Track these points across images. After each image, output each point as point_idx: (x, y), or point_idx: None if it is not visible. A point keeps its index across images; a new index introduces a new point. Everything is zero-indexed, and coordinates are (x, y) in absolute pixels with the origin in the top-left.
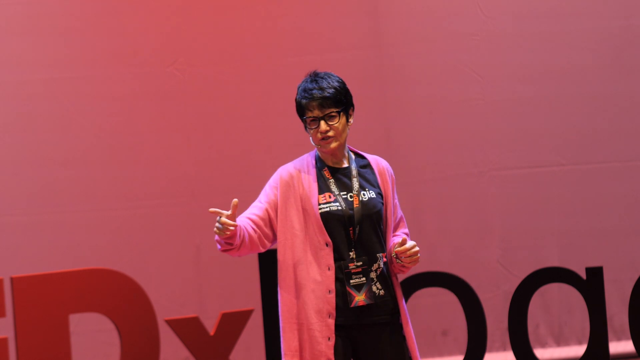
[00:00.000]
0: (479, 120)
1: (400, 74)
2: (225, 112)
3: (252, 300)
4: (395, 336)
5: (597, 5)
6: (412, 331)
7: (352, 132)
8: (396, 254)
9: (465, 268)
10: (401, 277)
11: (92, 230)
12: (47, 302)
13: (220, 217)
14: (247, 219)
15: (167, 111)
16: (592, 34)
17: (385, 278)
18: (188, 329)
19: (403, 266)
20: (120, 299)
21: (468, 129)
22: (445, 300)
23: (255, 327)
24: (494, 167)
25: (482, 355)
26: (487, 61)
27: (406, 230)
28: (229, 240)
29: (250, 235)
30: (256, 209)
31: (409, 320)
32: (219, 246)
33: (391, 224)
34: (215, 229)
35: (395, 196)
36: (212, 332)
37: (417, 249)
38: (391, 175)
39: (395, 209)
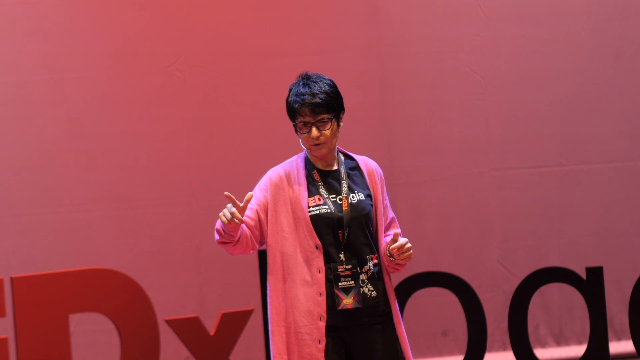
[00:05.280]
0: (479, 121)
1: (401, 74)
2: (225, 113)
3: (252, 300)
4: (387, 337)
5: (597, 5)
6: (404, 332)
7: (353, 133)
8: (389, 252)
9: (465, 268)
10: (401, 276)
11: (92, 230)
12: (47, 302)
13: (232, 205)
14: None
15: (167, 111)
16: (592, 34)
17: (376, 279)
18: (188, 329)
19: (397, 264)
20: (120, 299)
21: (468, 129)
22: (445, 300)
23: (255, 327)
24: (494, 167)
25: (482, 355)
26: (488, 61)
27: (398, 231)
28: (232, 232)
29: (245, 234)
30: (247, 211)
31: (401, 321)
32: (217, 236)
33: (381, 224)
34: (222, 215)
35: (386, 197)
36: (212, 332)
37: (409, 245)
38: (380, 176)
39: (385, 209)
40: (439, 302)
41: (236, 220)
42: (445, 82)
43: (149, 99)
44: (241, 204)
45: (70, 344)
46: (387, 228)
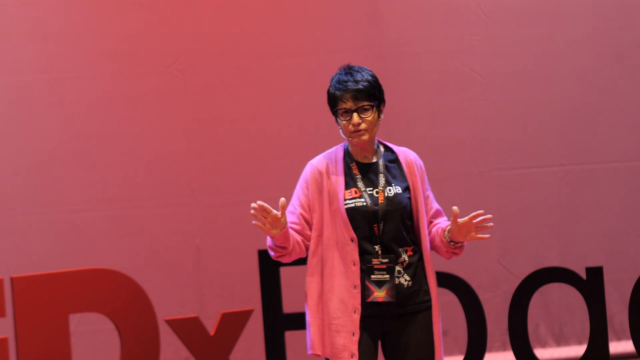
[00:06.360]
0: (480, 120)
1: (401, 74)
2: (225, 112)
3: (252, 300)
4: (422, 326)
5: (597, 6)
6: (440, 322)
7: None
8: (449, 238)
9: (465, 268)
10: None
11: (92, 230)
12: (47, 302)
13: (270, 212)
14: (289, 227)
15: (167, 111)
16: (592, 34)
17: (413, 269)
18: (188, 329)
19: (457, 247)
20: (120, 299)
21: (468, 129)
22: (445, 300)
23: (255, 327)
24: (494, 167)
25: (482, 355)
26: (488, 61)
27: (445, 219)
28: (284, 244)
29: (295, 240)
30: (292, 216)
31: (439, 314)
32: (272, 253)
33: (423, 216)
34: (257, 222)
35: (428, 188)
36: (212, 332)
37: (482, 212)
38: (420, 167)
39: (427, 200)
40: (439, 302)
41: (281, 225)
42: (446, 83)
43: (149, 99)
44: (278, 213)
45: (70, 344)
46: (434, 218)
